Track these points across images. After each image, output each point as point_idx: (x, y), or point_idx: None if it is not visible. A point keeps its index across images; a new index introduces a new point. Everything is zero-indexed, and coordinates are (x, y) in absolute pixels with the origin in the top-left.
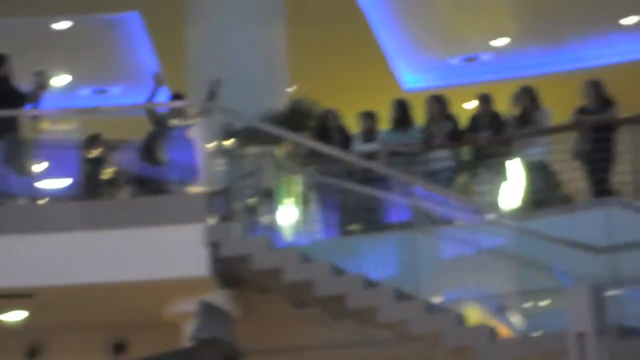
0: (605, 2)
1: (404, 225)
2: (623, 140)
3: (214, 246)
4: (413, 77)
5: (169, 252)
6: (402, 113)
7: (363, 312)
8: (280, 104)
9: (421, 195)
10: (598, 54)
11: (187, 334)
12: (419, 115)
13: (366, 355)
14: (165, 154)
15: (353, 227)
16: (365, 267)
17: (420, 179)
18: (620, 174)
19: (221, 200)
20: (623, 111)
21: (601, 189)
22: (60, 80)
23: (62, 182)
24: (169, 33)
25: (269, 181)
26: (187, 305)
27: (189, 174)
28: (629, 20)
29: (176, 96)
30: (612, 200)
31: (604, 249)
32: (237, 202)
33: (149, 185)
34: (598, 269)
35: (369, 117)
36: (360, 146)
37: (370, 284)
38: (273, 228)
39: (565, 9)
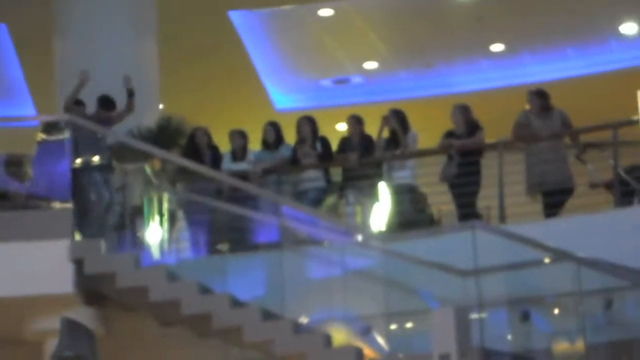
0: (474, 29)
1: (272, 245)
2: (489, 165)
3: (79, 263)
4: (285, 98)
5: (33, 268)
6: (273, 135)
7: (229, 332)
8: (150, 121)
9: (290, 215)
10: (466, 80)
11: (49, 352)
12: (290, 136)
13: None
14: (31, 168)
15: (221, 246)
16: (232, 287)
17: (289, 199)
18: (486, 198)
19: (88, 217)
20: (489, 136)
21: (467, 212)
22: None
23: None
24: (37, 46)
25: (138, 198)
26: (51, 323)
27: (55, 190)
28: (497, 47)
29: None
30: (478, 224)
31: (469, 272)
32: (105, 219)
33: (13, 200)
34: (463, 292)
35: (240, 136)
36: (230, 165)
37: (237, 304)
38: (140, 246)
39: (434, 34)
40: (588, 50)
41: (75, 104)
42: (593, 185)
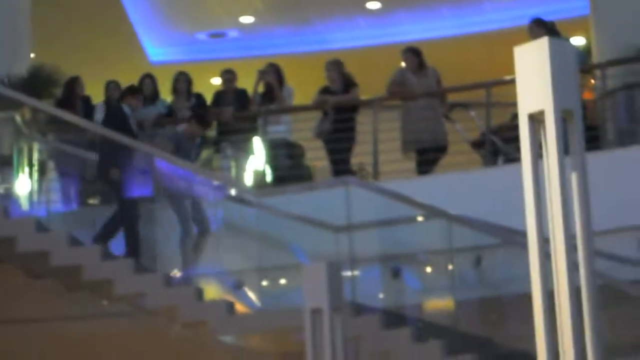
0: None
1: (145, 199)
2: (364, 122)
3: None
4: (160, 50)
5: None
6: (151, 88)
7: (100, 284)
8: (20, 69)
9: (164, 169)
10: (343, 37)
11: None
12: (165, 89)
13: (101, 328)
14: None
15: (93, 199)
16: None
17: (163, 152)
18: (361, 155)
19: None
20: (365, 93)
21: (341, 168)
22: None
23: None
24: None
25: (7, 148)
26: None
27: None
28: (373, 5)
29: None
30: (352, 180)
31: (342, 228)
32: None
33: None
34: (336, 248)
35: (115, 87)
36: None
37: (108, 256)
38: (9, 196)
39: None
40: (462, 10)
41: None
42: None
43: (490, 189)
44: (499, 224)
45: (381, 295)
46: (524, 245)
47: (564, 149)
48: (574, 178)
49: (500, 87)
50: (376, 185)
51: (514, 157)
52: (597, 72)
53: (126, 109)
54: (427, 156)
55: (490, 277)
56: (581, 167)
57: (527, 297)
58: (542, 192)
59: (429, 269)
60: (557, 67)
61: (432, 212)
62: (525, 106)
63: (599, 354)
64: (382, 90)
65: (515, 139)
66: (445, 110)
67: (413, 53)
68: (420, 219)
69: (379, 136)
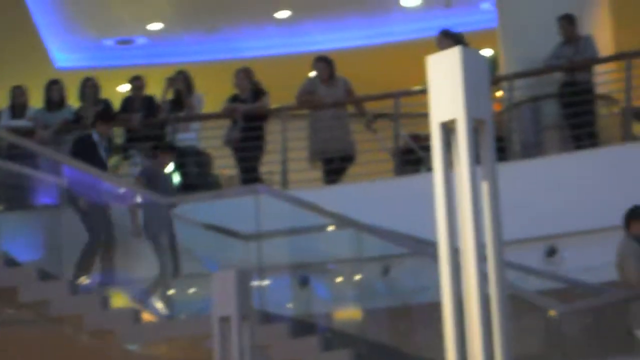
0: None
1: (50, 206)
2: (272, 131)
3: None
4: (65, 56)
5: None
6: (58, 94)
7: (3, 292)
8: None
9: (71, 175)
10: (252, 45)
11: None
12: (72, 95)
13: (6, 336)
14: None
15: None
16: (8, 246)
17: (70, 159)
18: (270, 163)
19: None
20: (274, 102)
21: (250, 177)
22: None
23: None
24: None
25: None
26: None
27: None
28: (283, 14)
29: None
30: (262, 188)
31: (251, 236)
32: None
33: None
34: (246, 256)
35: (21, 93)
36: (9, 121)
37: (12, 263)
38: None
39: None
40: (372, 20)
41: None
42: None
43: (400, 198)
44: (407, 234)
45: (290, 304)
46: (433, 255)
47: (475, 158)
48: (484, 187)
49: (412, 98)
50: (285, 194)
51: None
52: (504, 84)
53: (95, 136)
54: (334, 165)
55: (399, 286)
56: (492, 177)
57: (436, 307)
58: (453, 202)
59: (338, 278)
60: (469, 76)
61: (341, 221)
62: (437, 115)
63: None
64: (291, 99)
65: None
66: (368, 121)
67: (325, 62)
68: (329, 228)
69: (288, 145)
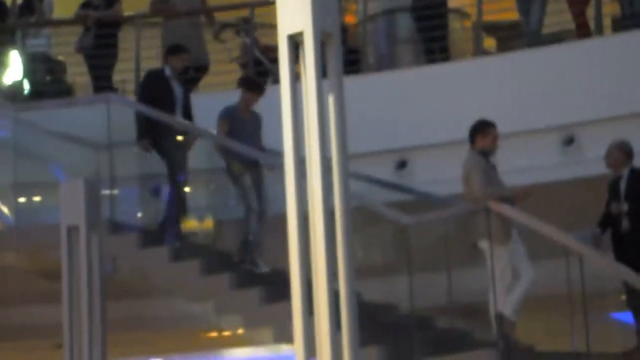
0: None
1: None
2: (126, 38)
3: None
4: None
5: None
6: None
7: None
8: None
9: None
10: None
11: None
12: None
13: None
14: None
15: None
16: None
17: None
18: (123, 72)
19: None
20: (128, 9)
21: (103, 85)
22: None
23: None
24: None
25: None
26: None
27: None
28: None
29: None
30: (113, 97)
31: (102, 146)
32: None
33: None
34: (96, 166)
35: None
36: None
37: None
38: None
39: None
40: None
41: None
42: None
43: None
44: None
45: (140, 215)
46: (281, 166)
47: (323, 71)
48: (331, 101)
49: (265, 8)
50: (138, 104)
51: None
52: None
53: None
54: (188, 75)
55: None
56: (338, 90)
57: (284, 217)
58: (300, 114)
59: (188, 189)
60: None
61: (195, 131)
62: (285, 27)
63: (350, 274)
64: (145, 6)
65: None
66: (215, 31)
67: None
68: (180, 137)
69: (142, 54)
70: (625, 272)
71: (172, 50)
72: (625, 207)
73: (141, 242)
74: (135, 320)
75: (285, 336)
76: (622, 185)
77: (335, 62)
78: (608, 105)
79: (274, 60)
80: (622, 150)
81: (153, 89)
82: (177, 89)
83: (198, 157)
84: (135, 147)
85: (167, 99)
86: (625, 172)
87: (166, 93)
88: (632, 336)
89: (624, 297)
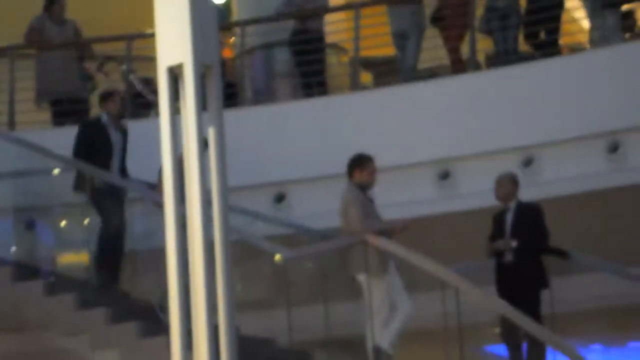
0: None
1: None
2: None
3: None
4: None
5: None
6: None
7: None
8: None
9: None
10: None
11: None
12: None
13: None
14: None
15: None
16: None
17: None
18: None
19: None
20: (1, 40)
21: None
22: None
23: None
24: None
25: None
26: None
27: None
28: None
29: None
30: None
31: None
32: None
33: None
34: None
35: None
36: None
37: None
38: None
39: None
40: None
41: None
42: None
43: (130, 142)
44: (137, 178)
45: (14, 248)
46: (159, 201)
47: (203, 104)
48: (211, 133)
49: (144, 41)
50: (11, 135)
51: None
52: (237, 30)
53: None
54: (62, 107)
55: (127, 231)
56: (219, 122)
57: (163, 252)
58: (179, 147)
59: (64, 222)
60: (197, 21)
61: (68, 164)
62: (165, 59)
63: (229, 307)
64: (19, 37)
65: None
66: (98, 64)
67: (57, 4)
68: (56, 171)
69: (16, 85)
70: (500, 305)
71: (104, 96)
72: (514, 243)
73: (15, 275)
74: (9, 356)
75: None
76: (509, 217)
77: (215, 94)
78: (483, 139)
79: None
80: (513, 182)
81: (89, 139)
82: (115, 136)
83: (70, 190)
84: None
85: (104, 148)
86: (512, 205)
87: (103, 142)
88: None
89: (497, 330)
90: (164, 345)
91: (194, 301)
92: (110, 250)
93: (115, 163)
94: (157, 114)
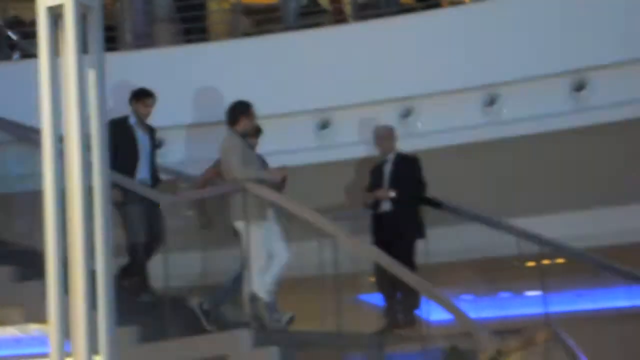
0: None
1: None
2: None
3: None
4: None
5: None
6: None
7: None
8: None
9: None
10: None
11: None
12: None
13: None
14: None
15: None
16: None
17: None
18: None
19: None
20: None
21: None
22: None
23: None
24: None
25: None
26: None
27: None
28: None
29: None
30: None
31: None
32: None
33: None
34: None
35: None
36: None
37: None
38: None
39: None
40: None
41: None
42: None
43: (5, 85)
44: (12, 120)
45: None
46: (38, 143)
47: (83, 45)
48: (91, 76)
49: None
50: None
51: (31, 53)
52: None
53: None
54: None
55: (1, 174)
56: (99, 65)
57: (40, 195)
58: (59, 90)
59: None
60: None
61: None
62: None
63: (108, 253)
64: None
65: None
66: None
67: None
68: None
69: None
70: (376, 254)
71: (136, 94)
72: (393, 194)
73: None
74: None
75: (36, 316)
76: (388, 168)
77: (96, 36)
78: (362, 90)
79: (27, 35)
80: (393, 135)
81: (113, 139)
82: (143, 139)
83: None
84: None
85: (130, 151)
86: (391, 156)
87: (130, 144)
88: (380, 317)
89: (373, 279)
90: (39, 290)
91: (71, 246)
92: None
93: (143, 168)
94: (22, 56)
